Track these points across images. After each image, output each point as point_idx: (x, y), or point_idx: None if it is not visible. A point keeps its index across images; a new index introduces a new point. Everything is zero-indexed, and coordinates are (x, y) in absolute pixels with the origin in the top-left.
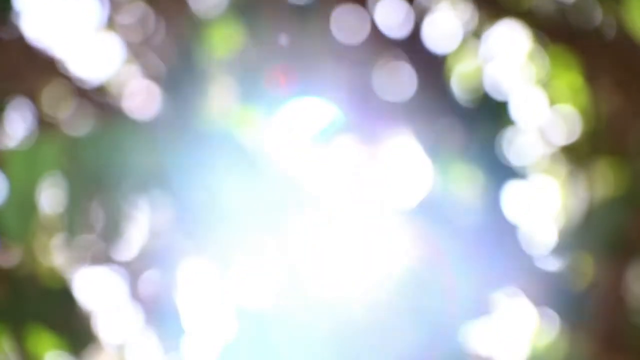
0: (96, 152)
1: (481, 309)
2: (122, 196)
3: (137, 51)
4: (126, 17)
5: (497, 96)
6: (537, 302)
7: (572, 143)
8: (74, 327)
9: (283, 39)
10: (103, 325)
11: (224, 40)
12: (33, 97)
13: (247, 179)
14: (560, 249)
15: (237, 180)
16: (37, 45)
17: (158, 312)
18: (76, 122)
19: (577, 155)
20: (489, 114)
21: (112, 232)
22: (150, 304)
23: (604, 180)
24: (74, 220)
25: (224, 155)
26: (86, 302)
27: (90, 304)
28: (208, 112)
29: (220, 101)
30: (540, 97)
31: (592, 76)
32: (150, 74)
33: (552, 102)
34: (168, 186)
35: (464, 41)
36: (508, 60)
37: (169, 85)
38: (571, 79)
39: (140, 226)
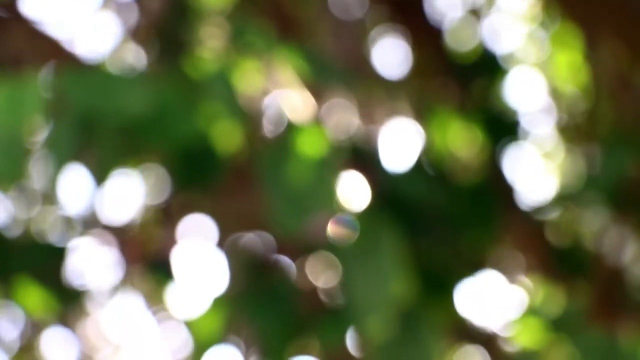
0: (84, 95)
1: (477, 265)
2: (111, 142)
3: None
4: None
5: (496, 53)
6: (535, 260)
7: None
8: (63, 282)
9: None
10: (92, 281)
11: None
12: None
13: (238, 125)
14: (559, 204)
15: (228, 126)
16: (38, 24)
17: (148, 267)
18: None
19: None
20: (487, 72)
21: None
22: (139, 259)
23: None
24: (60, 164)
25: (215, 101)
26: (75, 257)
27: (79, 260)
28: (200, 60)
29: (212, 49)
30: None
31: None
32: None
33: (551, 80)
34: (159, 133)
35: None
36: (508, 31)
37: (161, 34)
38: (571, 57)
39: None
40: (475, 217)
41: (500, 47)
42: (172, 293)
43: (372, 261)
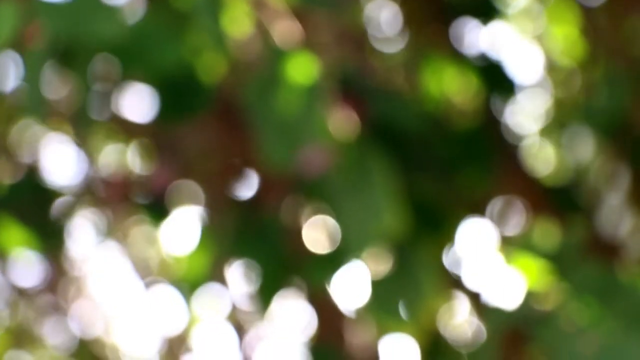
0: (60, 19)
1: (471, 204)
2: (91, 69)
3: None
4: None
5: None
6: (529, 200)
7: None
8: (47, 223)
9: None
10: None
11: None
12: None
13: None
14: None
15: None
16: None
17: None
18: None
19: None
20: (482, 15)
21: (81, 112)
22: (124, 198)
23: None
24: (36, 92)
25: (200, 29)
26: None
27: (66, 198)
28: None
29: None
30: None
31: None
32: None
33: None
34: (141, 60)
35: None
36: None
37: None
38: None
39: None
40: (469, 159)
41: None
42: (160, 233)
43: (363, 193)
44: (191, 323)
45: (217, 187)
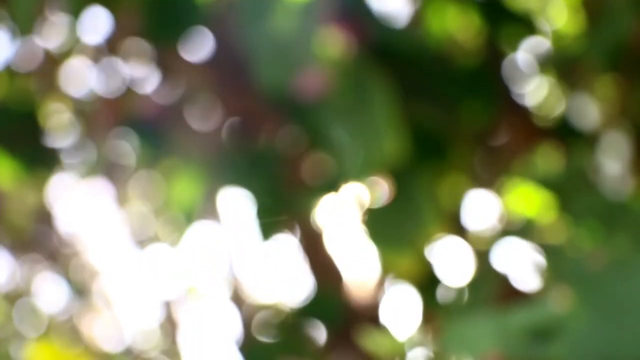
0: None
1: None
2: None
3: None
4: None
5: None
6: (531, 135)
7: None
8: (38, 155)
9: None
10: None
11: None
12: None
13: None
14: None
15: None
16: None
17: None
18: None
19: None
20: None
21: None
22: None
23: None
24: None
25: None
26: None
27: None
28: None
29: None
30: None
31: None
32: None
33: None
34: None
35: None
36: None
37: None
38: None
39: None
40: (469, 94)
41: None
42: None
43: (362, 117)
44: (190, 289)
45: (211, 115)
